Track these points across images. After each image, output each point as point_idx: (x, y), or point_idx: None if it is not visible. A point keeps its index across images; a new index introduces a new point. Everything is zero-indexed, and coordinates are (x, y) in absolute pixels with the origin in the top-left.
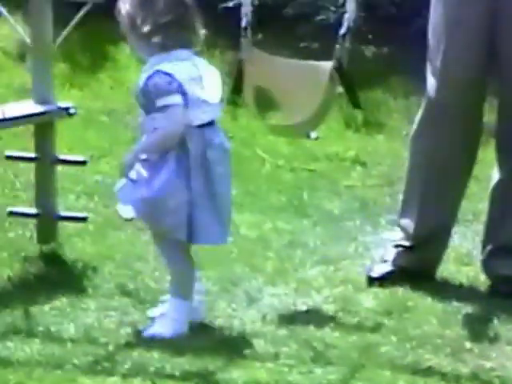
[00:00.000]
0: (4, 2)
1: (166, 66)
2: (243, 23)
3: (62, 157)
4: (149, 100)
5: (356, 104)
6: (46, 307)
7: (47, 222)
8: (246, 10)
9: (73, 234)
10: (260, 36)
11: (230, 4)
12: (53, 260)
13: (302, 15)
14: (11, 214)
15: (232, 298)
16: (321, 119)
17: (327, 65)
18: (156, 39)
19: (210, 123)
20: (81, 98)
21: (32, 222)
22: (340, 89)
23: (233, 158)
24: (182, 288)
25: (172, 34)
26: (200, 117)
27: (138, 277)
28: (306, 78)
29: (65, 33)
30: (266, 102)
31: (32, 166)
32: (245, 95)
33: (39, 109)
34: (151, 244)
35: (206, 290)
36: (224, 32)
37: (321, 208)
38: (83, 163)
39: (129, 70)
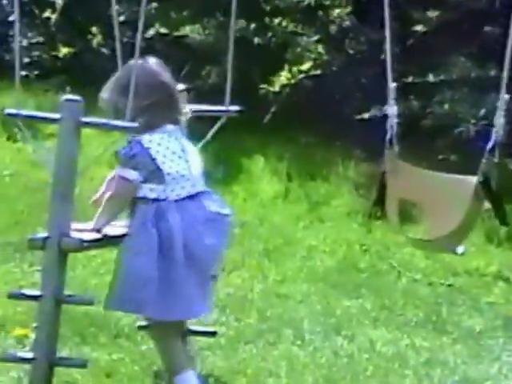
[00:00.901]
0: None
1: (146, 138)
2: (388, 135)
3: None
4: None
5: (503, 220)
6: None
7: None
8: (392, 122)
9: (204, 347)
10: (403, 147)
11: (366, 115)
12: None
13: (441, 127)
14: (140, 328)
15: None
16: (464, 234)
17: (472, 179)
18: (140, 120)
19: (192, 196)
20: None
21: None
22: (486, 204)
23: (368, 270)
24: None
25: (156, 114)
26: (178, 192)
27: None
28: (451, 191)
29: (200, 145)
30: (407, 215)
31: None
32: (387, 208)
33: None
34: (283, 359)
35: None
36: (359, 143)
37: (461, 325)
38: (213, 334)
39: (262, 182)
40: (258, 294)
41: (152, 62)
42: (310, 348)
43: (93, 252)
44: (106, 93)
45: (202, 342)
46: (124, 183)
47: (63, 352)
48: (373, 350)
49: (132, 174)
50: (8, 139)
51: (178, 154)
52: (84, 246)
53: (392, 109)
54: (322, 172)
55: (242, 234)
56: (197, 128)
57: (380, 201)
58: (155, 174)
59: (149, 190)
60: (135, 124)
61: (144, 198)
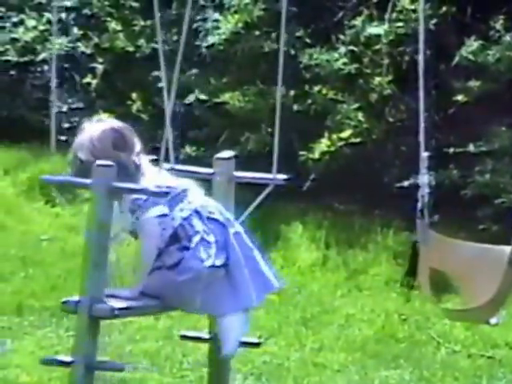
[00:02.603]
0: None
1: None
2: (419, 205)
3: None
4: None
5: None
6: None
7: None
8: (423, 192)
9: None
10: (437, 217)
11: (405, 184)
12: None
13: (482, 197)
14: None
15: None
16: (499, 305)
17: (507, 249)
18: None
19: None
20: None
21: None
22: None
23: (406, 341)
24: None
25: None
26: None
27: None
28: (484, 261)
29: (246, 213)
30: (441, 285)
31: (201, 345)
32: (419, 277)
33: None
34: None
35: None
36: (398, 212)
37: None
38: (257, 345)
39: (300, 250)
40: (294, 362)
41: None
42: None
43: (129, 318)
44: (83, 153)
45: None
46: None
47: None
48: None
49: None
50: (46, 204)
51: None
52: (115, 313)
53: (423, 178)
54: (360, 240)
55: (279, 302)
56: (240, 195)
57: (413, 270)
58: None
59: None
60: (166, 190)
61: None
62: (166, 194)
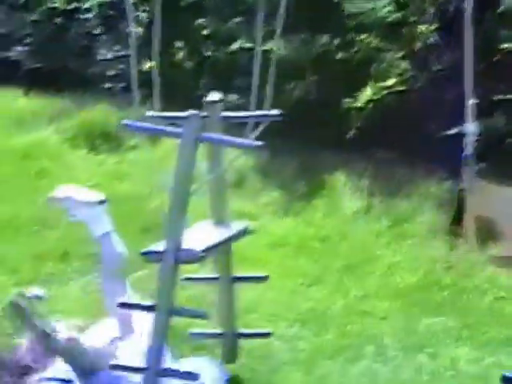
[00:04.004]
0: None
1: None
2: (465, 153)
3: (240, 275)
4: None
5: None
6: None
7: (231, 340)
8: (469, 140)
9: (283, 362)
10: (483, 165)
11: (450, 132)
12: None
13: None
14: (193, 335)
15: None
16: None
17: None
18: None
19: None
20: (294, 225)
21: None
22: None
23: (450, 288)
24: None
25: None
26: None
27: None
28: None
29: (236, 157)
30: (486, 233)
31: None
32: (465, 225)
33: (230, 229)
34: (364, 376)
35: None
36: (442, 161)
37: None
38: (264, 279)
39: (343, 198)
40: (338, 309)
41: None
42: (392, 365)
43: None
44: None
45: (282, 356)
46: None
47: None
48: (455, 368)
49: None
50: (89, 152)
51: None
52: (200, 256)
53: (469, 126)
54: (403, 189)
55: (322, 250)
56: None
57: (458, 218)
58: None
59: None
60: (258, 142)
61: None
62: None
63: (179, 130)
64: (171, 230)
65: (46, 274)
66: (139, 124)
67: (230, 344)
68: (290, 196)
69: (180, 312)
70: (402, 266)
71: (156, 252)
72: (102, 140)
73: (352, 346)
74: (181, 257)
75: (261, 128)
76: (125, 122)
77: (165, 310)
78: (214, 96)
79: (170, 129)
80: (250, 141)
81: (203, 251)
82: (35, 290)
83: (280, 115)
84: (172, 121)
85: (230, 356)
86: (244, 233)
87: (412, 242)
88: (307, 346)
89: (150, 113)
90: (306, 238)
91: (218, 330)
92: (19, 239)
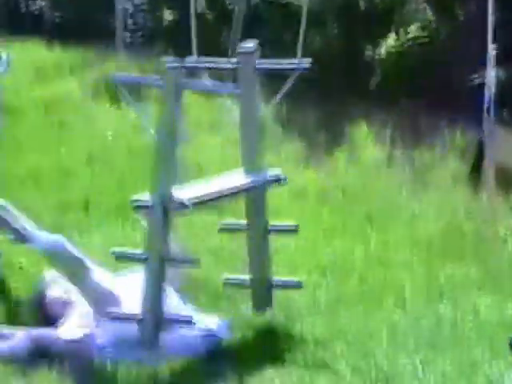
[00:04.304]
0: None
1: None
2: (486, 102)
3: (272, 225)
4: None
5: None
6: (276, 381)
7: (261, 289)
8: (490, 89)
9: (304, 310)
10: (504, 114)
11: (473, 82)
12: (286, 336)
13: None
14: (227, 281)
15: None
16: None
17: None
18: None
19: None
20: (315, 175)
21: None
22: None
23: (472, 237)
24: None
25: None
26: None
27: (370, 356)
28: None
29: (272, 103)
30: (507, 181)
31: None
32: (485, 174)
33: (250, 179)
34: (384, 324)
35: (443, 371)
36: (465, 110)
37: None
38: (295, 231)
39: (365, 149)
40: (359, 258)
41: None
42: (412, 313)
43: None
44: None
45: (302, 304)
46: None
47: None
48: (477, 316)
49: None
50: (111, 104)
51: None
52: (187, 206)
53: (491, 75)
54: (426, 138)
55: (343, 199)
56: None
57: (478, 167)
58: None
59: None
60: (237, 88)
61: None
62: None
63: (161, 79)
64: (159, 180)
65: (69, 223)
66: (124, 76)
67: (261, 292)
68: (311, 146)
69: (171, 260)
70: (424, 216)
71: (144, 199)
72: (123, 91)
73: (373, 294)
74: (169, 208)
75: (292, 79)
76: (112, 74)
77: (156, 259)
78: (249, 45)
79: (152, 78)
80: (232, 86)
81: (192, 203)
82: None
83: (312, 64)
84: (214, 66)
85: (262, 304)
86: (275, 182)
87: (435, 190)
88: (328, 294)
89: (191, 59)
90: (327, 189)
91: (250, 277)
92: (42, 189)
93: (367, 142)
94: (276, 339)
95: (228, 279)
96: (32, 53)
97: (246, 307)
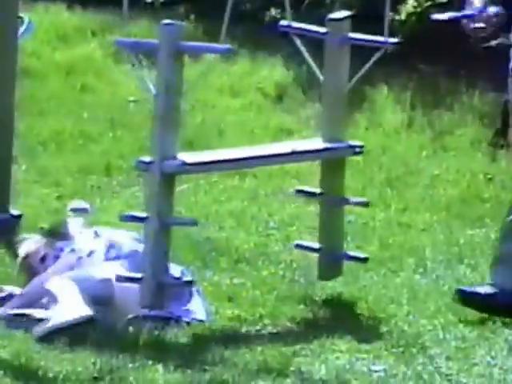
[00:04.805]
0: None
1: None
2: (511, 64)
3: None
4: None
5: None
6: (298, 347)
7: (330, 259)
8: None
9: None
10: None
11: (493, 44)
12: (305, 299)
13: None
14: (297, 246)
15: (491, 346)
16: None
17: None
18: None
19: None
20: None
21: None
22: None
23: (492, 200)
24: None
25: None
26: None
27: (391, 320)
28: None
29: (356, 77)
30: None
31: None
32: (510, 137)
33: (327, 145)
34: (405, 286)
35: (464, 336)
36: (485, 72)
37: None
38: (366, 204)
39: (385, 112)
40: (379, 222)
41: None
42: (432, 276)
43: (214, 178)
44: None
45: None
46: None
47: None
48: None
49: None
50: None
51: None
52: (185, 169)
53: None
54: (445, 101)
55: (363, 163)
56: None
57: (503, 130)
58: None
59: None
60: (231, 47)
61: None
62: None
63: (156, 41)
64: (158, 140)
65: (90, 187)
66: (126, 40)
67: (328, 262)
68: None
69: (171, 221)
70: (444, 179)
71: (144, 162)
72: (144, 55)
73: (393, 258)
74: (165, 167)
75: (378, 55)
76: (116, 39)
77: (155, 219)
78: (340, 14)
79: (150, 41)
80: (226, 46)
81: (189, 164)
82: (80, 204)
83: (399, 43)
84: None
85: (328, 274)
86: (349, 150)
87: (454, 154)
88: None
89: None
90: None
91: (319, 245)
92: (63, 153)
93: (387, 105)
94: (297, 301)
95: (298, 245)
96: (52, 15)
97: (268, 272)
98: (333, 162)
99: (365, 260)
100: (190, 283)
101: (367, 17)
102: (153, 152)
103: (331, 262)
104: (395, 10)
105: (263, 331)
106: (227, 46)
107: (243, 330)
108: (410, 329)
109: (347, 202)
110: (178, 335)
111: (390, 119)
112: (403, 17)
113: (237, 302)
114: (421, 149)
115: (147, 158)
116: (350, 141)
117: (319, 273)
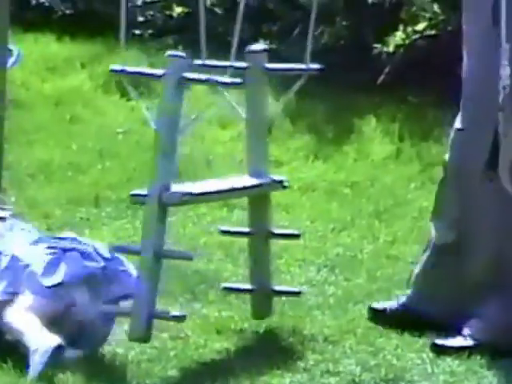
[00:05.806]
0: None
1: None
2: (501, 97)
3: (276, 231)
4: None
5: None
6: (287, 380)
7: (262, 296)
8: (504, 84)
9: (313, 306)
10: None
11: None
12: (294, 332)
13: None
14: (226, 289)
15: (480, 380)
16: None
17: None
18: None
19: None
20: (324, 170)
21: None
22: None
23: None
24: None
25: None
26: None
27: (380, 353)
28: None
29: (280, 106)
30: None
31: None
32: (500, 170)
33: (254, 182)
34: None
35: (452, 370)
36: None
37: None
38: (297, 236)
39: (373, 143)
40: (367, 254)
41: None
42: None
43: (203, 210)
44: None
45: (312, 301)
46: None
47: (174, 308)
48: None
49: None
50: (121, 97)
51: None
52: (183, 200)
53: (505, 70)
54: (434, 132)
55: (352, 195)
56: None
57: (493, 163)
58: None
59: None
60: (238, 80)
61: None
62: None
63: (161, 71)
64: (157, 170)
65: (79, 218)
66: (123, 68)
67: (261, 300)
68: (319, 140)
69: (166, 254)
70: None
71: (141, 195)
72: (132, 86)
73: (382, 290)
74: (163, 199)
75: (300, 82)
76: (111, 66)
77: (150, 252)
78: (258, 46)
79: (152, 71)
80: (234, 79)
81: (186, 194)
82: (68, 235)
83: (322, 69)
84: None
85: (261, 313)
86: (276, 184)
87: None
88: (336, 290)
89: (198, 62)
90: (336, 183)
91: (250, 286)
92: (52, 184)
93: (376, 136)
94: (285, 335)
95: (226, 288)
96: (42, 46)
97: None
98: (259, 198)
99: (297, 294)
100: (180, 318)
101: (355, 47)
102: (151, 183)
103: (263, 299)
104: (383, 42)
105: (252, 364)
106: (236, 79)
107: (231, 363)
108: (399, 362)
109: (275, 236)
110: (166, 367)
111: (378, 150)
112: (391, 48)
113: (225, 334)
114: (409, 180)
115: (143, 191)
116: (275, 176)
117: (252, 312)
